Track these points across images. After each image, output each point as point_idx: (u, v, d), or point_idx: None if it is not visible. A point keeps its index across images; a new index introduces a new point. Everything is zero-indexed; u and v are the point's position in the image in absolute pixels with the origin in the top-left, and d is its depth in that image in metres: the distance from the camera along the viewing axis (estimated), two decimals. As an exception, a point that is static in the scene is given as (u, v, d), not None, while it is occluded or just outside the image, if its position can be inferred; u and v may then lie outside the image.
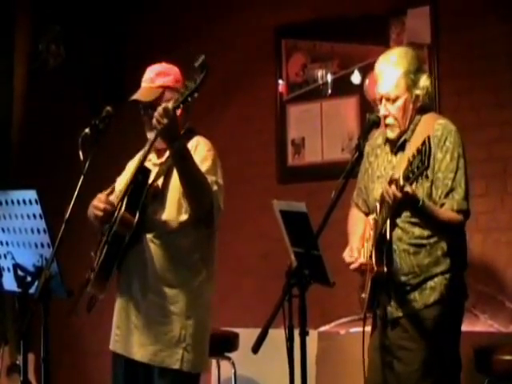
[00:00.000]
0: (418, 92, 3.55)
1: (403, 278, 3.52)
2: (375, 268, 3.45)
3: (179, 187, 3.58)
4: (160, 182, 3.64)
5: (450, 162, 3.46)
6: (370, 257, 3.49)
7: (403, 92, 3.53)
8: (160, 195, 3.64)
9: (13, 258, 3.41)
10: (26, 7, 6.96)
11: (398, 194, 3.19)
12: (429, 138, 3.09)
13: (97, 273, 3.56)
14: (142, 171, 3.60)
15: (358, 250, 3.58)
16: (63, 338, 3.88)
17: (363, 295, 3.58)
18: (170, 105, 3.38)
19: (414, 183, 3.17)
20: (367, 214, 3.74)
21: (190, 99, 3.37)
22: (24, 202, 3.33)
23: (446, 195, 3.45)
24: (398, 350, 3.51)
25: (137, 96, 3.72)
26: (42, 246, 3.33)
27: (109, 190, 3.76)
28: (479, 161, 5.04)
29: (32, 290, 3.30)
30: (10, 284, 3.45)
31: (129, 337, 3.63)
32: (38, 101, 6.78)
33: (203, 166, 3.59)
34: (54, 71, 6.81)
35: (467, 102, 5.31)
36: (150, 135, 3.70)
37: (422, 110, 3.59)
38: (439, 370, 3.46)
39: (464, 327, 3.63)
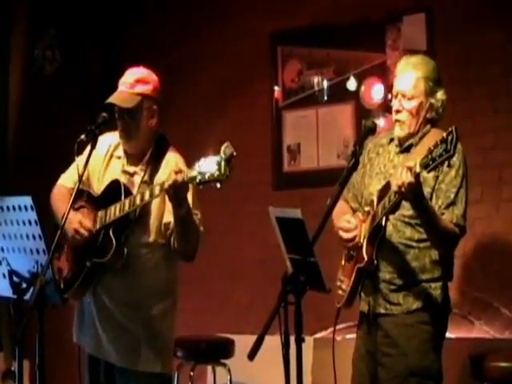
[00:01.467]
0: (433, 101, 3.57)
1: (388, 276, 3.53)
2: (365, 258, 3.46)
3: (159, 216, 3.65)
4: (140, 208, 3.63)
5: (454, 177, 3.48)
6: (360, 247, 3.50)
7: (420, 94, 3.55)
8: (140, 221, 3.65)
9: (8, 264, 3.41)
10: (22, 12, 6.96)
11: (412, 180, 3.17)
12: (456, 128, 3.10)
13: (76, 288, 3.63)
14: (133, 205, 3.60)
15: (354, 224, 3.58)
16: (58, 344, 3.87)
17: (343, 286, 3.59)
18: (187, 178, 3.31)
19: (434, 171, 3.18)
20: (354, 211, 3.74)
21: (212, 185, 3.27)
22: (19, 208, 3.33)
23: (447, 207, 3.46)
24: (382, 356, 3.53)
25: (116, 101, 3.66)
26: (38, 252, 3.32)
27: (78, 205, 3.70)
28: (475, 167, 5.01)
29: (27, 297, 3.30)
30: (5, 290, 3.44)
31: (112, 345, 3.67)
32: (35, 105, 6.78)
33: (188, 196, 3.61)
34: (52, 75, 6.81)
35: (463, 108, 5.31)
36: (124, 144, 3.72)
37: (432, 123, 3.61)
38: (420, 377, 3.46)
39: (459, 333, 3.64)
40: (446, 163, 3.12)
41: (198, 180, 3.27)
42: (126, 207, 3.56)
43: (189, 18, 6.42)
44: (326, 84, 5.89)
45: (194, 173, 3.28)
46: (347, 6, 5.75)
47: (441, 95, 3.59)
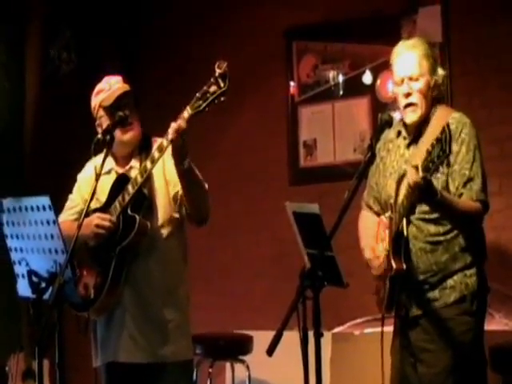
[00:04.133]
0: (437, 78, 3.54)
1: (421, 277, 3.49)
2: (394, 266, 3.42)
3: (165, 191, 3.64)
4: (145, 190, 3.62)
5: (466, 153, 3.43)
6: (387, 256, 3.47)
7: (425, 72, 3.52)
8: (147, 202, 3.63)
9: (27, 265, 3.41)
10: (37, 13, 6.98)
11: (419, 179, 3.13)
12: (448, 125, 3.08)
13: (104, 295, 3.59)
14: (147, 181, 3.59)
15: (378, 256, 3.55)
16: (77, 343, 3.88)
17: (381, 294, 3.55)
18: (191, 110, 3.33)
19: (435, 173, 3.15)
20: (378, 214, 3.70)
21: (216, 102, 3.33)
22: (37, 208, 3.33)
23: (464, 185, 3.41)
24: (421, 352, 3.48)
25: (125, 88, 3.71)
26: (56, 251, 3.32)
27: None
28: (492, 159, 4.99)
29: (46, 296, 3.31)
30: (24, 290, 3.45)
31: (148, 343, 3.64)
32: (51, 105, 6.80)
33: None
34: (67, 76, 6.83)
35: (479, 99, 5.30)
36: (122, 141, 3.65)
37: (436, 101, 3.57)
38: (464, 369, 3.42)
39: (479, 326, 3.61)
40: (446, 162, 3.10)
41: (202, 106, 3.32)
42: (139, 178, 3.55)
43: (203, 15, 6.42)
44: (341, 78, 5.88)
45: (194, 103, 3.33)
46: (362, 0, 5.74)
47: (441, 71, 3.57)
